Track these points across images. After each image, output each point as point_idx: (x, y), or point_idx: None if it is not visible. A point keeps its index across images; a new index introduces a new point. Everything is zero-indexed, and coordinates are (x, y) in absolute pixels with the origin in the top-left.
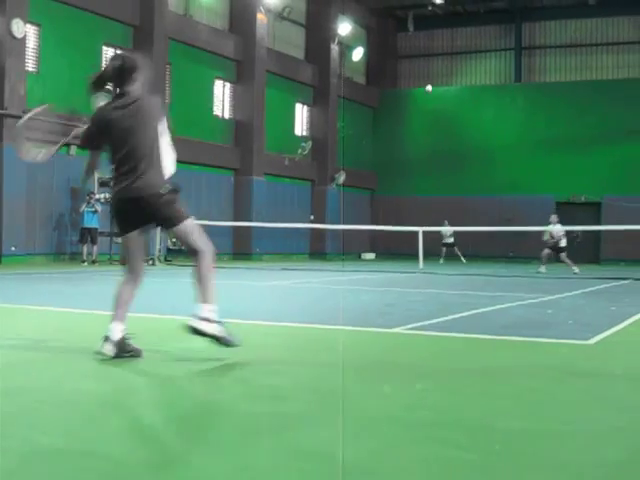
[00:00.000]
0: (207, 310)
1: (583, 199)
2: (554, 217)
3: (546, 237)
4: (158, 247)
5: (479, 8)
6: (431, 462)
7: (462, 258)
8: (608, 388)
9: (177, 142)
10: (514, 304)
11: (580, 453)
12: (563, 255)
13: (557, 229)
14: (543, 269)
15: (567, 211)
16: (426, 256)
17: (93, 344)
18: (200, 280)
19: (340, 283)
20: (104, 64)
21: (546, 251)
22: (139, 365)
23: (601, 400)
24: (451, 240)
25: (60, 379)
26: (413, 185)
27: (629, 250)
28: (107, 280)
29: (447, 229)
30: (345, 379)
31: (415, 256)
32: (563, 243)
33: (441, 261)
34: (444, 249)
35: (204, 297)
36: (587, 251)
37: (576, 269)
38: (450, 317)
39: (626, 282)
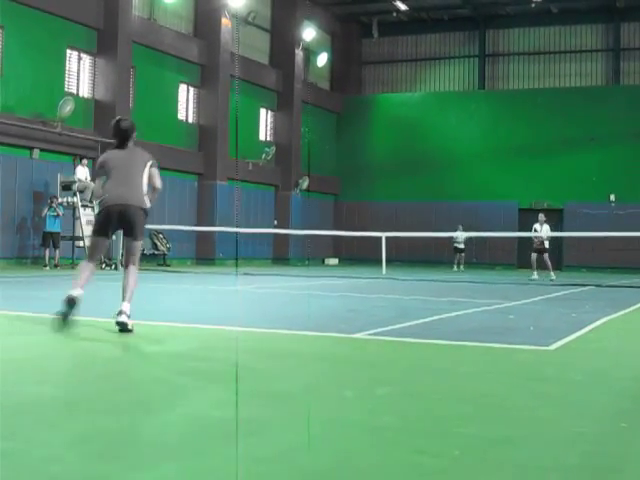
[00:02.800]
0: (127, 307)
1: (545, 205)
2: (542, 216)
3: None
4: (121, 251)
5: (443, 15)
6: (393, 467)
7: (461, 266)
8: (567, 393)
9: (141, 146)
10: (476, 310)
11: (538, 458)
12: (546, 256)
13: (545, 229)
14: (535, 275)
15: (529, 217)
16: (389, 262)
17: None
18: (129, 286)
19: (303, 288)
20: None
21: (533, 255)
22: (97, 371)
23: (560, 405)
24: (462, 246)
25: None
26: (376, 191)
27: (591, 257)
28: (69, 285)
29: (460, 234)
30: (307, 384)
31: (378, 261)
32: (547, 245)
33: (455, 268)
34: (457, 255)
35: (129, 297)
36: (550, 257)
37: (553, 276)
38: (412, 323)
39: (587, 289)
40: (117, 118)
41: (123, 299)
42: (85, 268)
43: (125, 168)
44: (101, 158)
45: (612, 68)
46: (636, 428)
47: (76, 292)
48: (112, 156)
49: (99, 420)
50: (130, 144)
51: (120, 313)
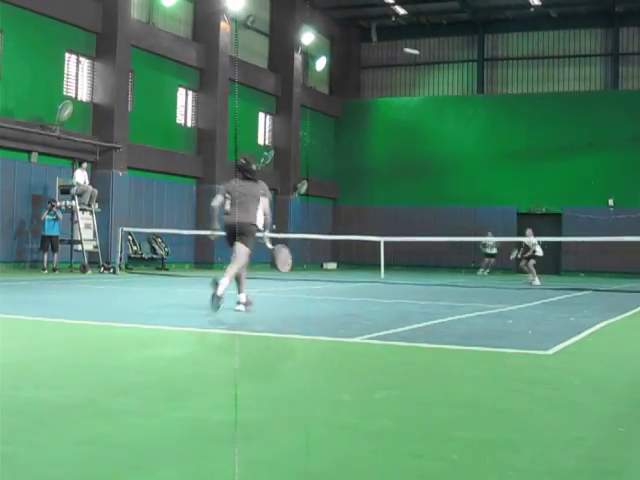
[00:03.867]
0: (243, 297)
1: (544, 210)
2: (529, 231)
3: (513, 255)
4: (119, 255)
5: (442, 20)
6: (391, 472)
7: (486, 271)
8: (566, 398)
9: (139, 150)
10: (474, 314)
11: (536, 462)
12: (532, 262)
13: (531, 240)
14: (537, 281)
15: (528, 222)
16: (387, 266)
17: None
18: (226, 273)
19: (301, 292)
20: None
21: (531, 262)
22: (95, 375)
23: (559, 410)
24: (494, 251)
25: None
26: (375, 195)
27: (589, 261)
28: (68, 288)
29: (491, 239)
30: (305, 388)
31: (377, 266)
32: (539, 252)
33: (480, 272)
34: (486, 260)
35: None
36: (547, 262)
37: (537, 281)
38: (410, 327)
39: (585, 293)
40: (242, 156)
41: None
42: (238, 270)
43: (244, 197)
44: (229, 185)
45: (611, 73)
46: (634, 432)
47: (242, 298)
48: (237, 185)
49: (98, 424)
50: (254, 174)
51: (238, 303)
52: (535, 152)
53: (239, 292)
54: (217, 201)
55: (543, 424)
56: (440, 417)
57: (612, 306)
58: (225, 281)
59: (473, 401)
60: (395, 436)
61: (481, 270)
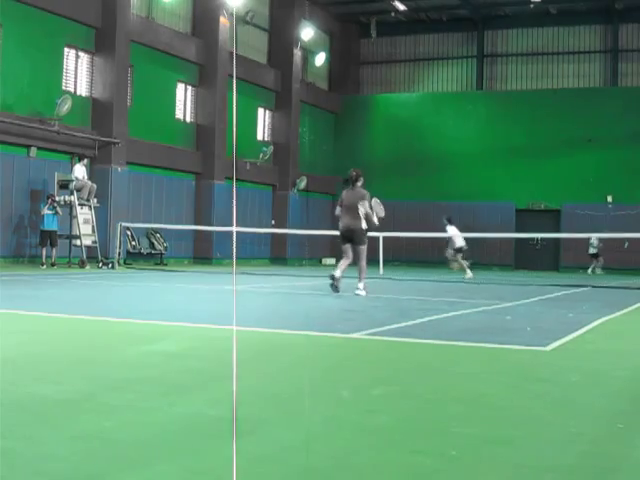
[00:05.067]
0: (361, 285)
1: (542, 206)
2: (446, 219)
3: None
4: (118, 250)
5: (442, 16)
6: (390, 467)
7: (596, 269)
8: (564, 394)
9: (138, 145)
10: (473, 310)
11: (536, 458)
12: (460, 255)
13: (452, 231)
14: (470, 274)
15: (527, 218)
16: (386, 262)
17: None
18: (359, 270)
19: (300, 288)
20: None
21: (459, 255)
22: (93, 370)
23: (556, 406)
24: (592, 251)
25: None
26: (374, 190)
27: (588, 257)
28: (67, 284)
29: (594, 239)
30: (304, 384)
31: (376, 261)
32: (459, 243)
33: (589, 271)
34: (594, 260)
35: (361, 278)
36: (547, 258)
37: (470, 274)
38: (409, 323)
39: (584, 289)
40: (352, 172)
41: (359, 280)
42: (344, 261)
43: (350, 204)
44: (342, 195)
45: (610, 69)
46: (633, 429)
47: (337, 273)
48: (344, 195)
49: (96, 419)
50: (357, 184)
51: (357, 289)
52: (534, 148)
53: (359, 280)
54: (338, 211)
55: (542, 420)
56: (439, 413)
57: (611, 303)
58: (361, 277)
59: (472, 397)
60: (394, 432)
61: (590, 269)
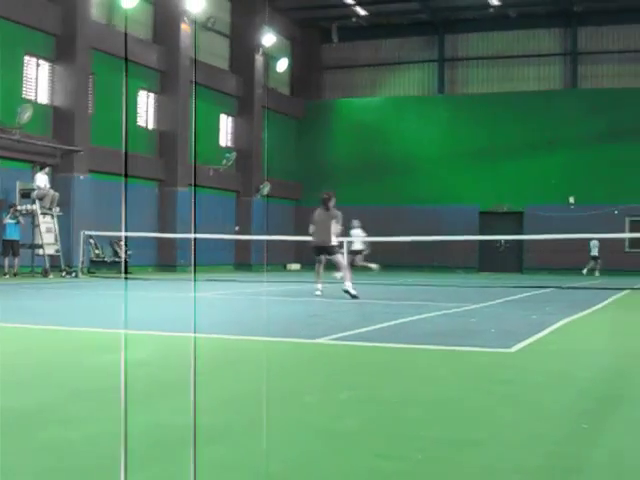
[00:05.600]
0: (349, 285)
1: (505, 209)
2: (356, 222)
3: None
4: (81, 259)
5: (402, 20)
6: (355, 472)
7: (589, 271)
8: (529, 395)
9: (101, 153)
10: (437, 313)
11: (501, 459)
12: (359, 257)
13: (356, 233)
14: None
15: (490, 220)
16: (351, 266)
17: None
18: (343, 278)
19: (265, 294)
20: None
21: (358, 257)
22: (57, 379)
23: (521, 407)
24: (594, 253)
25: None
26: (338, 195)
27: (551, 259)
28: (29, 293)
29: (596, 241)
30: (268, 390)
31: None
32: (357, 246)
33: (584, 272)
34: (592, 262)
35: (347, 278)
36: (510, 260)
37: (345, 279)
38: (374, 327)
39: (548, 290)
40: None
41: (346, 280)
42: (319, 267)
43: (322, 222)
44: (315, 213)
45: (570, 72)
46: (597, 429)
47: (347, 284)
48: (317, 214)
49: (59, 430)
50: (330, 205)
51: (346, 291)
52: (496, 151)
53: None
54: (312, 229)
55: (507, 422)
56: (404, 417)
57: (574, 303)
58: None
59: (437, 400)
60: (359, 436)
61: (585, 270)
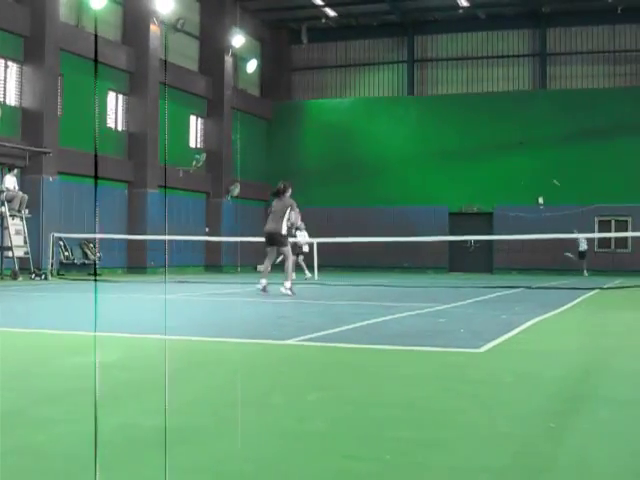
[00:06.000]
0: (288, 284)
1: (475, 209)
2: (301, 224)
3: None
4: (51, 261)
5: (372, 21)
6: (323, 473)
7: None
8: (496, 395)
9: (70, 155)
10: (407, 314)
11: (469, 459)
12: (301, 258)
13: (302, 235)
14: (308, 274)
15: (460, 221)
16: (321, 267)
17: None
18: (285, 270)
19: (235, 295)
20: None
21: (300, 257)
22: (24, 382)
23: (489, 407)
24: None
25: None
26: (308, 196)
27: (520, 259)
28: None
29: (583, 238)
30: (238, 392)
31: (310, 267)
32: (306, 248)
33: (586, 274)
34: (582, 260)
35: (287, 277)
36: (480, 260)
37: (308, 274)
38: (343, 328)
39: (517, 290)
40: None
41: (285, 279)
42: (266, 263)
43: (275, 212)
44: (272, 204)
45: (539, 72)
46: (565, 428)
47: (263, 281)
48: (274, 203)
49: (27, 433)
50: (284, 196)
51: (283, 287)
52: (466, 152)
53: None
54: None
55: (475, 422)
56: (373, 417)
57: (543, 303)
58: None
59: (406, 401)
60: (328, 437)
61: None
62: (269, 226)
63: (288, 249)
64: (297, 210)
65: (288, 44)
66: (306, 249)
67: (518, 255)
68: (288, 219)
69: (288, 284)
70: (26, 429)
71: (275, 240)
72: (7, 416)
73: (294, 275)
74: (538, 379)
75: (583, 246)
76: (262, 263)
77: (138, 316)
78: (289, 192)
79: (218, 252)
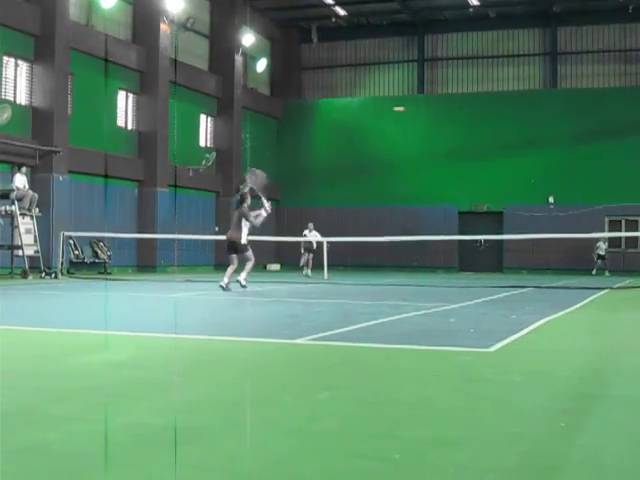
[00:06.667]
0: (243, 275)
1: (485, 208)
2: (310, 224)
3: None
4: (61, 260)
5: (382, 20)
6: (333, 472)
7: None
8: (506, 395)
9: (80, 154)
10: (417, 313)
11: (478, 459)
12: (311, 256)
13: (313, 235)
14: (309, 272)
15: (470, 220)
16: (331, 266)
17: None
18: (245, 268)
19: (244, 294)
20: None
21: (306, 256)
22: (36, 380)
23: (499, 407)
24: (601, 252)
25: None
26: (318, 195)
27: (530, 258)
28: (8, 294)
29: (602, 242)
30: (248, 391)
31: (320, 266)
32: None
33: (603, 273)
34: (599, 262)
35: (245, 272)
36: (490, 260)
37: (309, 273)
38: (353, 327)
39: (527, 290)
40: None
41: (243, 271)
42: (230, 269)
43: (233, 220)
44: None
45: (549, 72)
46: (575, 428)
47: (225, 281)
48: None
49: (39, 431)
50: (242, 205)
51: (239, 277)
52: (476, 151)
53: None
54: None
55: (485, 421)
56: (383, 417)
57: (553, 303)
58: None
59: (416, 400)
60: (338, 436)
61: (606, 272)
62: (230, 234)
63: (249, 254)
64: (250, 217)
65: (298, 43)
66: (315, 247)
67: (528, 255)
68: (248, 225)
69: (244, 275)
70: (38, 427)
71: (236, 248)
72: (19, 414)
73: (309, 272)
74: (548, 378)
75: (601, 250)
76: (273, 262)
77: (148, 315)
78: (246, 202)
79: None
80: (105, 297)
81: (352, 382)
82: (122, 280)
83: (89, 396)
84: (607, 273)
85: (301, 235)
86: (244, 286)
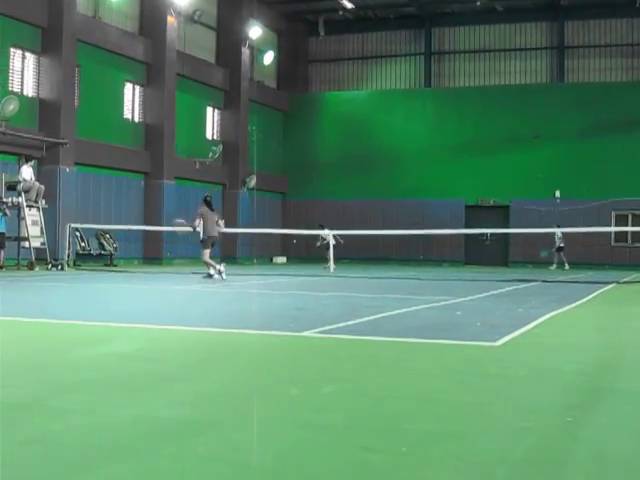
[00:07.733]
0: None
1: (491, 202)
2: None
3: (319, 243)
4: (67, 252)
5: (389, 13)
6: (339, 465)
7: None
8: (513, 389)
9: (87, 146)
10: (423, 307)
11: (484, 452)
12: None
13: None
14: (332, 267)
15: (476, 214)
16: (337, 259)
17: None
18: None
19: (251, 287)
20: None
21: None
22: (42, 371)
23: (505, 400)
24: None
25: None
26: (324, 188)
27: (537, 252)
28: (15, 286)
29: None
30: (254, 383)
31: (327, 259)
32: (333, 242)
33: (567, 267)
34: (558, 254)
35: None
36: (496, 254)
37: (331, 268)
38: (360, 320)
39: (533, 284)
40: (206, 195)
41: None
42: (212, 261)
43: (212, 219)
44: (202, 210)
45: (557, 65)
46: (581, 422)
47: (213, 271)
48: (209, 214)
49: (46, 422)
50: (214, 208)
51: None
52: (482, 145)
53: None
54: (197, 223)
55: (491, 415)
56: (389, 410)
57: (559, 297)
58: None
59: (422, 393)
60: (344, 430)
61: (566, 265)
62: (215, 233)
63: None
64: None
65: (305, 36)
66: (333, 242)
67: (534, 249)
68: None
69: (222, 268)
70: (44, 418)
71: (213, 243)
72: (25, 406)
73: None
74: (554, 373)
75: (559, 243)
76: (279, 255)
77: (154, 307)
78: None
79: (234, 244)
80: (112, 289)
81: (358, 375)
82: (128, 272)
83: (96, 388)
84: (566, 266)
85: (306, 229)
86: (211, 275)
